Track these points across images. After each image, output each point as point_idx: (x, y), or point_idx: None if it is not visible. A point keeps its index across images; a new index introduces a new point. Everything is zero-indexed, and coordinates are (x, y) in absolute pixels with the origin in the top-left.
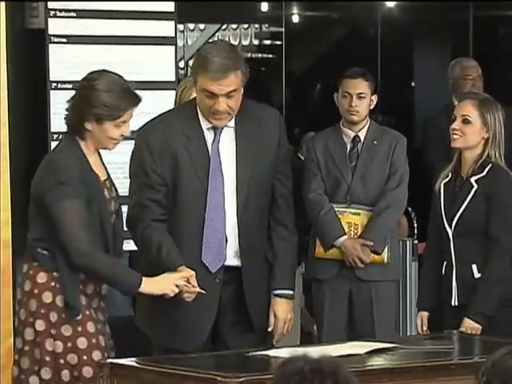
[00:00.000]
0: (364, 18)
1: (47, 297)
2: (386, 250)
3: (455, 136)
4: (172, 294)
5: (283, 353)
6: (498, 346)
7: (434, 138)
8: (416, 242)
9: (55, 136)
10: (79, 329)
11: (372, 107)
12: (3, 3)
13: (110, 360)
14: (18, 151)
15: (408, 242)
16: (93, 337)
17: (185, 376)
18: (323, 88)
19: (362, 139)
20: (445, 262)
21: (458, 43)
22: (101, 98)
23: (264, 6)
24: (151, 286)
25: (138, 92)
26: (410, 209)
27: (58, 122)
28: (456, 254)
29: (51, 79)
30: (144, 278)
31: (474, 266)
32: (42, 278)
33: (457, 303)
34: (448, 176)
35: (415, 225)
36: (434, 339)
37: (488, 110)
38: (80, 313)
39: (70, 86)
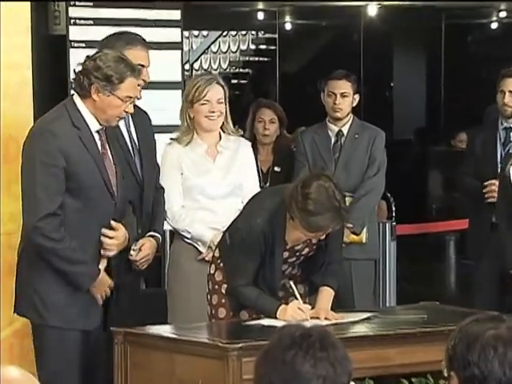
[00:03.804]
0: (348, 26)
1: None
2: (364, 231)
3: None
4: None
5: (276, 322)
6: (466, 315)
7: None
8: (394, 223)
9: None
10: None
11: (354, 105)
12: (29, 13)
13: (123, 329)
14: None
15: (387, 224)
16: None
17: (189, 342)
18: (313, 87)
19: (345, 133)
20: None
21: (431, 47)
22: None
23: (260, 15)
24: None
25: (148, 91)
26: (388, 194)
27: None
28: None
29: (71, 79)
30: None
31: None
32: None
33: None
34: None
35: (393, 208)
36: (409, 309)
37: None
38: None
39: None
